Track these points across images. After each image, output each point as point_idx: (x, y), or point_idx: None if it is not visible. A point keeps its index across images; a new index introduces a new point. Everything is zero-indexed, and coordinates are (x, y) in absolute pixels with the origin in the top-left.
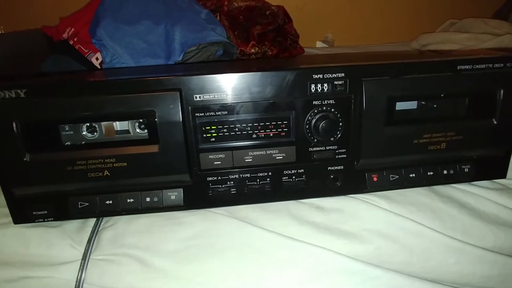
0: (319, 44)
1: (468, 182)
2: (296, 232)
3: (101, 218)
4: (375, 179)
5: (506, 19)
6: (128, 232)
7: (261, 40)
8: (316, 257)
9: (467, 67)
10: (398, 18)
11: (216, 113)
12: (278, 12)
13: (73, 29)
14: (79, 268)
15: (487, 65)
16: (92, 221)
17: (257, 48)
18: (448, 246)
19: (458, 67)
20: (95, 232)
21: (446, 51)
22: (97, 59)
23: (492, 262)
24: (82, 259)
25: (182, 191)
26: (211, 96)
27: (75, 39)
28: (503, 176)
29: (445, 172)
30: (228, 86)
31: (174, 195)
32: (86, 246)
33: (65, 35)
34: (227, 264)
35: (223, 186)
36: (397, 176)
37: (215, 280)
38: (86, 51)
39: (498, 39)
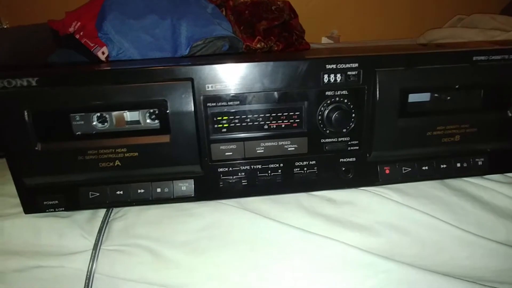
0: (324, 40)
1: (481, 175)
2: (308, 224)
3: (111, 209)
4: (387, 171)
5: None
6: (138, 222)
7: (267, 35)
8: (328, 249)
9: (483, 58)
10: (404, 14)
11: (228, 103)
12: (284, 7)
13: (79, 23)
14: (90, 258)
15: (503, 56)
16: (102, 212)
17: (262, 43)
18: (461, 239)
19: (474, 58)
20: (106, 222)
21: (460, 43)
22: (103, 53)
23: (505, 256)
24: (93, 249)
25: (193, 182)
26: (223, 86)
27: (81, 33)
28: None
29: (458, 165)
30: (240, 76)
31: (185, 186)
32: (96, 236)
33: (71, 29)
34: (238, 255)
35: (234, 177)
36: (410, 169)
37: (226, 271)
38: (92, 45)
39: (506, 35)
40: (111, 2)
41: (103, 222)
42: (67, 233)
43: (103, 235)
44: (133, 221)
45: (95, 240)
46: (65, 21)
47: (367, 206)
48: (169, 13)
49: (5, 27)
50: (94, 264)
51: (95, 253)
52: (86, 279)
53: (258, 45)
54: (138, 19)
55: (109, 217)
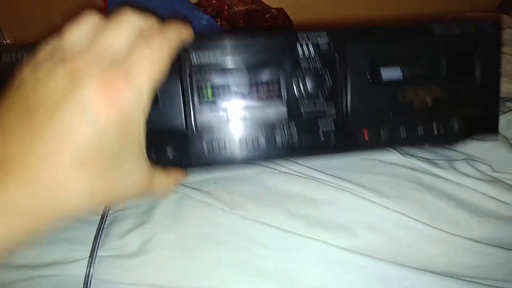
0: None
1: (458, 141)
2: (290, 225)
3: (106, 215)
4: (366, 138)
5: (508, 12)
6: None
7: None
8: (308, 248)
9: (444, 30)
10: (399, 17)
11: (212, 75)
12: (278, 15)
13: None
14: (87, 265)
15: (463, 27)
16: (97, 217)
17: None
18: (435, 237)
19: (434, 31)
20: (101, 229)
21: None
22: None
23: (478, 252)
24: (89, 256)
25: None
26: (207, 59)
27: None
28: (495, 131)
29: (435, 132)
30: (223, 49)
31: (172, 155)
32: (93, 243)
33: None
34: (224, 254)
35: (219, 145)
36: (388, 135)
37: (216, 269)
38: None
39: None
40: None
41: (98, 229)
42: (64, 242)
43: (99, 242)
44: (127, 222)
45: (92, 247)
46: None
47: (346, 207)
48: None
49: (8, 42)
50: (91, 270)
51: (91, 260)
52: (84, 285)
53: None
54: None
55: (104, 224)
